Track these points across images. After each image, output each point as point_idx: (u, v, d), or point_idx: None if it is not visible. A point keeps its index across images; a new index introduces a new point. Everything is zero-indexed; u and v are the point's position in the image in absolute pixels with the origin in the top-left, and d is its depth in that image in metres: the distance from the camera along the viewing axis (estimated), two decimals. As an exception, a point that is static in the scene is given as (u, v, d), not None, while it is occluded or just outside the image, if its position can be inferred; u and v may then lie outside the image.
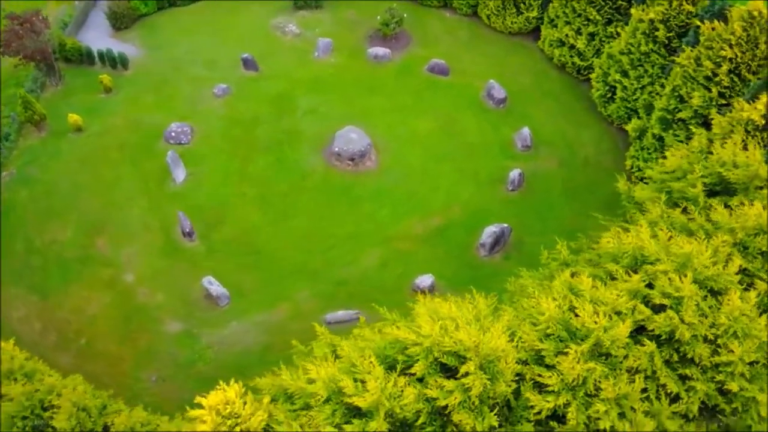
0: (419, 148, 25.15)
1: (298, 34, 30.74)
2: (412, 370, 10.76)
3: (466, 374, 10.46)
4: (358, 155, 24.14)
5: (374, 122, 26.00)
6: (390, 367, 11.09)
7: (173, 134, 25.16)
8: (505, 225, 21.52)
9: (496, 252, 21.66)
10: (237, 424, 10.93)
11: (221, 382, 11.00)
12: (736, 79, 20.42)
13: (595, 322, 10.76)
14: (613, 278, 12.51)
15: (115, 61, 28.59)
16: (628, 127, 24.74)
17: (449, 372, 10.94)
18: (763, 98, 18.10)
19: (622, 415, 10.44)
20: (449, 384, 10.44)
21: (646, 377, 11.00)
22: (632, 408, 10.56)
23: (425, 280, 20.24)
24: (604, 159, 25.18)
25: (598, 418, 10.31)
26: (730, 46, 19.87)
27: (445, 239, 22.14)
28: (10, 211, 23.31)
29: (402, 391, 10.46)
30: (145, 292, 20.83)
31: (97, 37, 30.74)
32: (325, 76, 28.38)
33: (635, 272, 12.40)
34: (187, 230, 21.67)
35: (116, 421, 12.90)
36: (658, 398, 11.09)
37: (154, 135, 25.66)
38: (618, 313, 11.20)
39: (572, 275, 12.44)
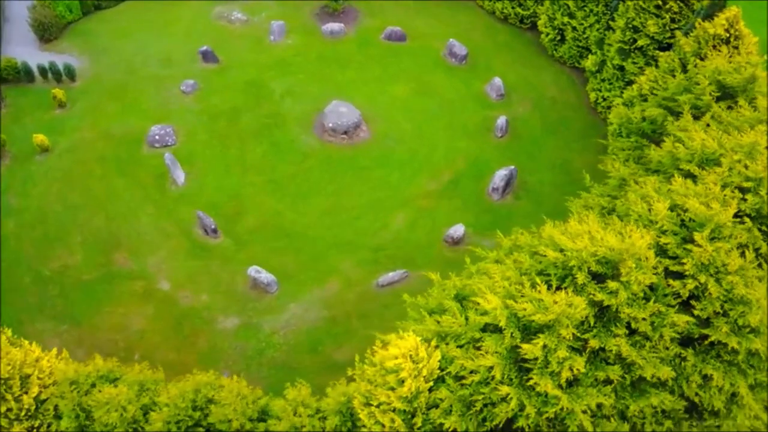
0: (405, 112, 25.83)
1: (245, 20, 30.06)
2: (577, 281, 11.80)
3: (617, 277, 11.69)
4: (352, 127, 24.44)
5: (352, 95, 26.25)
6: (548, 285, 12.06)
7: (157, 137, 24.03)
8: (512, 167, 22.93)
9: (507, 194, 23.01)
10: (424, 366, 11.52)
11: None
12: (682, 5, 22.94)
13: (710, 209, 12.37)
14: (692, 176, 14.20)
15: (60, 74, 26.55)
16: (586, 64, 26.87)
17: (598, 279, 12.12)
18: (722, 15, 20.52)
19: (746, 285, 12.15)
20: (612, 284, 11.62)
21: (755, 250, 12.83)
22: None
23: (458, 229, 21.21)
24: (568, 96, 27.21)
25: (732, 288, 11.94)
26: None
27: (458, 190, 23.12)
28: (4, 246, 21.43)
29: (572, 301, 11.49)
30: (187, 296, 20.12)
31: (26, 52, 28.22)
32: (289, 58, 28.13)
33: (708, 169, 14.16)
34: (212, 227, 21.08)
35: (273, 404, 12.91)
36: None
37: (133, 142, 24.35)
38: (717, 200, 12.86)
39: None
